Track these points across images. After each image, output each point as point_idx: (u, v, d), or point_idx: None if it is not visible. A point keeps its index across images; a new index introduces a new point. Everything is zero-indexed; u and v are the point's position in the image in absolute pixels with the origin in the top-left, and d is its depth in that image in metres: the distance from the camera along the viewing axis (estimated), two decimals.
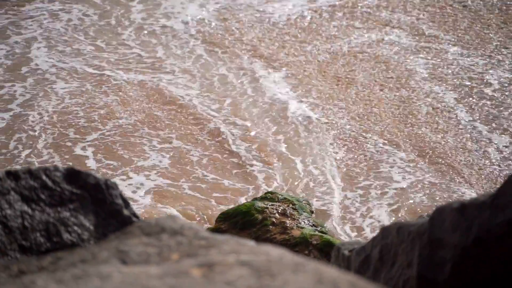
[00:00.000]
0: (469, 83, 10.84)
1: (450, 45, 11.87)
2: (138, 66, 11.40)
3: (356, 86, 10.68)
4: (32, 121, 10.01)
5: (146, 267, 1.81)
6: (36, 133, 9.76)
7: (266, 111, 10.19)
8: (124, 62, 11.54)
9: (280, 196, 6.61)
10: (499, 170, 8.93)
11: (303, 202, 6.65)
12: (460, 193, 8.49)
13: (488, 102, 10.35)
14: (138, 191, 8.88)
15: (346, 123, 9.79)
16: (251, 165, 9.03)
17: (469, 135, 9.58)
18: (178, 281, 1.66)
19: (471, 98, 10.44)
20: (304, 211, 6.43)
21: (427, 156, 9.16)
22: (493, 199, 2.52)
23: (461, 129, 9.68)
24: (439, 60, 11.53)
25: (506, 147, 9.39)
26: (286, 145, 9.41)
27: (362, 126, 9.73)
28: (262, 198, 6.60)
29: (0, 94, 10.60)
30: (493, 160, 9.15)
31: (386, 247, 2.85)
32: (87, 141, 9.67)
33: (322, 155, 9.18)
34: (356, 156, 9.14)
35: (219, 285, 1.64)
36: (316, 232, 6.12)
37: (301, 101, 10.33)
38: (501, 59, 11.55)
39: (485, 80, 10.94)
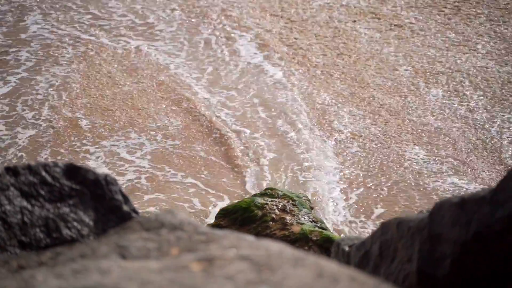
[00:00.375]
0: (414, 42, 11.58)
1: (402, 10, 12.22)
2: (132, 33, 11.65)
3: (315, 51, 11.44)
4: (38, 86, 10.41)
5: (145, 262, 1.81)
6: (41, 97, 10.16)
7: (243, 76, 10.91)
8: (118, 29, 11.78)
9: (280, 192, 6.62)
10: (435, 121, 9.87)
11: (303, 198, 6.66)
12: (397, 145, 9.42)
13: (429, 61, 11.14)
14: (137, 152, 9.34)
15: (306, 84, 10.70)
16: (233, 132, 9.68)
17: (410, 91, 10.49)
18: (178, 276, 1.66)
19: (414, 58, 11.21)
20: (304, 207, 6.44)
21: (372, 111, 10.13)
22: (493, 194, 2.52)
23: (402, 84, 10.61)
24: (387, 23, 11.92)
25: (441, 100, 10.32)
26: (262, 108, 10.20)
27: (318, 86, 10.64)
28: (262, 194, 6.61)
29: (7, 59, 10.84)
30: (430, 111, 10.06)
31: (385, 242, 2.85)
32: (90, 107, 10.09)
33: (291, 111, 10.14)
34: (315, 110, 10.14)
35: (219, 280, 1.64)
36: (316, 228, 6.13)
37: (267, 63, 11.11)
38: (450, 18, 11.97)
39: (428, 42, 11.60)
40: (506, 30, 11.89)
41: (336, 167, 9.13)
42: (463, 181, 8.94)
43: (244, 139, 9.56)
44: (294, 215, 6.29)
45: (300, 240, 5.99)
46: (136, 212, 2.71)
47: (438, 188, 8.83)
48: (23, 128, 9.61)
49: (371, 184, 8.81)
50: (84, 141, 9.47)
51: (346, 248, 3.09)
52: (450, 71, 10.91)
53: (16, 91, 10.26)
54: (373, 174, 8.99)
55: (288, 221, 6.21)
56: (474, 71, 10.91)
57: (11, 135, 9.46)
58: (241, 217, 6.30)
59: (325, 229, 6.20)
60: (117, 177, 9.09)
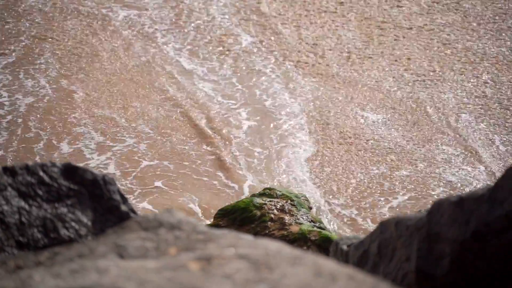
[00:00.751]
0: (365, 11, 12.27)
1: None
2: (123, 4, 11.83)
3: (284, 19, 12.04)
4: (39, 56, 10.72)
5: (143, 261, 1.80)
6: (42, 67, 10.46)
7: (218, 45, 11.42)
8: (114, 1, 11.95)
9: (278, 192, 6.62)
10: (386, 86, 10.62)
11: (302, 198, 6.66)
12: (351, 108, 10.18)
13: (382, 28, 11.80)
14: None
15: (277, 52, 11.30)
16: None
17: (349, 55, 11.24)
18: (176, 275, 1.66)
19: (364, 24, 11.88)
20: (302, 207, 6.44)
21: (332, 77, 10.88)
22: (491, 193, 2.51)
23: (342, 46, 11.38)
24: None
25: (389, 67, 10.99)
26: (237, 78, 10.73)
27: (283, 54, 11.25)
28: (261, 194, 6.61)
29: (7, 28, 11.15)
30: (382, 78, 10.82)
31: (384, 241, 2.85)
32: (87, 79, 10.41)
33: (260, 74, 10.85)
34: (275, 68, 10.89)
35: (217, 278, 1.63)
36: (315, 228, 6.13)
37: (239, 30, 11.66)
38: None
39: (381, 8, 12.23)
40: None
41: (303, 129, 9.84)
42: (409, 143, 9.60)
43: (224, 111, 10.06)
44: (292, 215, 6.29)
45: (298, 240, 5.98)
46: (134, 212, 2.71)
47: (375, 144, 9.58)
48: (23, 96, 10.00)
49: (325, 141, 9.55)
50: (77, 109, 9.80)
51: (345, 247, 3.09)
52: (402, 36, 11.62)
53: (19, 60, 10.61)
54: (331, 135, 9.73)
55: (286, 221, 6.21)
56: (426, 38, 11.59)
57: (11, 102, 9.89)
58: (240, 217, 6.30)
59: (323, 229, 6.20)
60: (111, 144, 9.28)
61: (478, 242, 2.51)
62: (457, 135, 9.76)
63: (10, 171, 2.56)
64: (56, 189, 2.57)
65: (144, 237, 1.99)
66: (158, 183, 8.83)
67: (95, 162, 9.06)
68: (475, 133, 9.79)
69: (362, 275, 1.67)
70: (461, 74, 10.80)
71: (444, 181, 9.06)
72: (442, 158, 9.41)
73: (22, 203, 2.51)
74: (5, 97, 9.97)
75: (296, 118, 10.03)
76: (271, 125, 9.90)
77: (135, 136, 9.45)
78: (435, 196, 8.72)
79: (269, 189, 6.71)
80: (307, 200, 6.76)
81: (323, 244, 5.87)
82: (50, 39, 11.01)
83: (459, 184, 9.02)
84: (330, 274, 1.60)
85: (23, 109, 9.72)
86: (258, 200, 6.41)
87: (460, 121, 9.99)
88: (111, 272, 1.69)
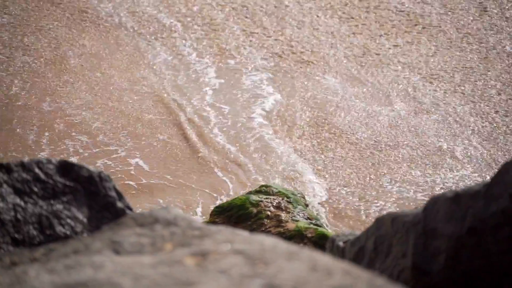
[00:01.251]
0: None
1: None
2: None
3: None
4: (43, 18, 11.01)
5: (139, 257, 1.80)
6: (45, 29, 10.78)
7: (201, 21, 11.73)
8: None
9: (275, 189, 6.62)
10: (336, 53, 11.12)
11: (298, 195, 6.66)
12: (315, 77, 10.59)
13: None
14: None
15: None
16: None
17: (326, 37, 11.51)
18: (172, 270, 1.66)
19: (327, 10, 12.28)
20: (299, 204, 6.44)
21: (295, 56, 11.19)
22: (487, 189, 2.52)
23: (318, 27, 11.73)
24: None
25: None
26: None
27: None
28: (257, 192, 6.61)
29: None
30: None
31: (380, 237, 2.85)
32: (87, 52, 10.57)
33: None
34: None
35: (213, 274, 1.63)
36: (311, 225, 6.13)
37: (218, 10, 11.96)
38: None
39: None
40: None
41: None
42: (359, 100, 10.03)
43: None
44: (289, 212, 6.29)
45: (295, 237, 5.99)
46: (130, 209, 2.70)
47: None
48: (22, 54, 10.25)
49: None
50: (70, 73, 9.93)
51: (341, 244, 3.09)
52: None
53: (22, 19, 10.90)
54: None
55: (283, 218, 6.20)
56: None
57: (9, 59, 10.15)
58: (236, 215, 6.29)
59: (320, 226, 6.20)
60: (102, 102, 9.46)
61: (474, 238, 2.51)
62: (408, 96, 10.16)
63: (5, 168, 2.56)
64: (52, 186, 2.57)
65: (139, 233, 1.99)
66: (162, 137, 9.00)
67: (83, 117, 9.23)
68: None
69: (358, 270, 1.67)
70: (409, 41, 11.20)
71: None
72: (385, 114, 9.76)
73: (18, 200, 2.50)
74: (2, 53, 10.23)
75: (261, 74, 10.43)
76: (236, 81, 10.26)
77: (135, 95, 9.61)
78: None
79: (266, 186, 6.71)
80: (304, 197, 6.76)
81: (320, 241, 5.87)
82: (55, 3, 11.27)
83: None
84: (326, 269, 1.60)
85: (17, 67, 9.95)
86: (255, 197, 6.41)
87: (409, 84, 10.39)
88: (107, 267, 1.69)
